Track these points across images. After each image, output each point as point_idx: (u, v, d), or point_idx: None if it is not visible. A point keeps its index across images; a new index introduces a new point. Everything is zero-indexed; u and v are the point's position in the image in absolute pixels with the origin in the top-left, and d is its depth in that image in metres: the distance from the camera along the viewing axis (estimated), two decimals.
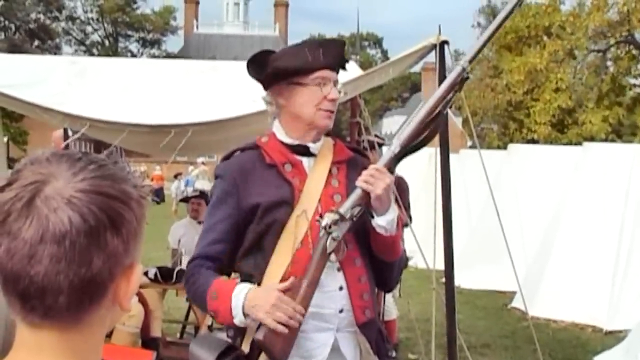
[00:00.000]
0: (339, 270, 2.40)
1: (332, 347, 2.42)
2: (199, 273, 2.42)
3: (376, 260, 2.49)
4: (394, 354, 2.60)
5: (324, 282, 2.36)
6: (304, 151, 2.48)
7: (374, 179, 2.35)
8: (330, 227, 2.34)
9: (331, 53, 2.47)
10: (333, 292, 2.39)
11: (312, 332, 2.39)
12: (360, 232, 2.45)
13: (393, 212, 2.41)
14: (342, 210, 2.36)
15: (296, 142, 2.48)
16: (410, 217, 5.77)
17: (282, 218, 2.39)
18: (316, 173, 2.47)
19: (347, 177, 2.50)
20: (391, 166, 2.45)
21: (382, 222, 2.38)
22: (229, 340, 2.41)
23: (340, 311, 2.41)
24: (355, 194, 2.38)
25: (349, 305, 2.41)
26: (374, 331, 2.51)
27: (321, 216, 2.37)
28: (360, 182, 2.36)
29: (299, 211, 2.39)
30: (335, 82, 2.48)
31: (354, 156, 2.60)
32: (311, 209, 2.40)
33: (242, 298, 2.26)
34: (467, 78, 2.59)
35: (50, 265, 0.88)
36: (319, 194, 2.43)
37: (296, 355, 2.36)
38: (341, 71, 2.54)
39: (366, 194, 2.36)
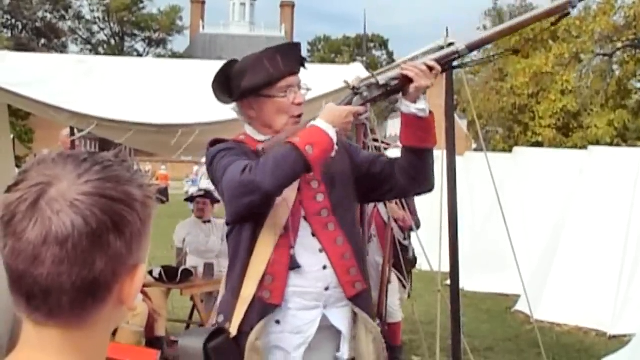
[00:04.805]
0: (321, 251, 2.53)
1: (323, 323, 2.55)
2: (267, 156, 2.42)
3: (419, 157, 2.61)
4: (379, 325, 2.73)
5: (305, 265, 2.50)
6: None
7: (422, 74, 2.48)
8: (359, 88, 2.52)
9: (290, 57, 2.58)
10: (317, 272, 2.52)
11: (298, 310, 2.51)
12: (341, 211, 2.60)
13: (424, 99, 2.55)
14: (380, 77, 2.51)
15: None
16: (418, 222, 5.79)
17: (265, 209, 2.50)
18: None
19: (324, 163, 2.61)
20: (446, 63, 2.57)
21: (421, 105, 2.53)
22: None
23: (326, 289, 2.54)
24: (398, 72, 2.52)
25: (336, 282, 2.54)
26: (367, 300, 2.67)
27: (301, 202, 2.53)
28: (409, 70, 2.48)
29: (278, 200, 2.46)
30: (299, 84, 2.61)
31: None
32: (291, 197, 2.51)
33: (327, 124, 2.43)
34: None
35: (53, 267, 0.89)
36: (297, 184, 2.51)
37: (286, 331, 2.51)
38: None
39: (407, 81, 2.48)
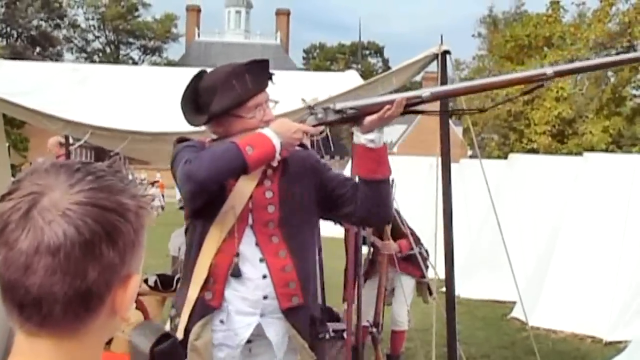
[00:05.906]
0: (261, 261, 2.62)
1: (258, 331, 2.65)
2: (207, 149, 2.54)
3: (371, 188, 2.62)
4: (327, 337, 2.77)
5: (246, 272, 2.60)
6: None
7: (388, 111, 2.49)
8: (314, 108, 2.57)
9: (258, 75, 2.61)
10: (257, 280, 2.62)
11: (236, 314, 2.62)
12: (290, 226, 2.65)
13: (377, 131, 2.57)
14: (338, 104, 2.56)
15: None
16: (418, 240, 5.83)
17: (211, 210, 2.60)
18: (248, 175, 2.60)
19: (282, 174, 2.69)
20: (407, 105, 2.56)
21: (371, 136, 2.55)
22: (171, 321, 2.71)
23: (265, 297, 2.63)
24: (362, 102, 2.57)
25: (274, 293, 2.62)
26: (304, 316, 2.70)
27: (251, 211, 2.61)
28: (388, 105, 2.50)
29: (227, 207, 2.58)
30: (267, 100, 2.66)
31: (292, 152, 2.71)
32: (240, 205, 2.60)
33: (273, 133, 2.48)
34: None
35: (45, 277, 0.89)
36: (249, 193, 2.61)
37: (230, 329, 2.63)
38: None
39: (365, 112, 2.52)
